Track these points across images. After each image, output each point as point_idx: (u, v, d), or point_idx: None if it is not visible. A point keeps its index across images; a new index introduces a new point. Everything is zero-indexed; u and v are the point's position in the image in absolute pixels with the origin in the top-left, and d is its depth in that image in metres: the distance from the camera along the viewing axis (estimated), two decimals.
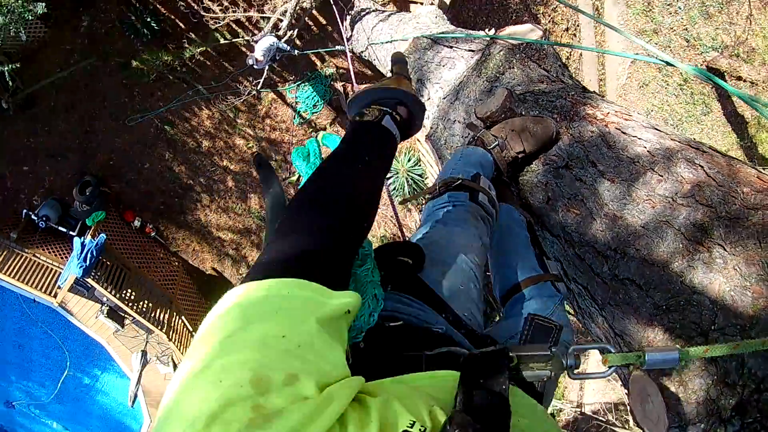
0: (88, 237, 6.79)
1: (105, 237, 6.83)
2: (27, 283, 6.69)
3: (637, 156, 1.89)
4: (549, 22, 8.31)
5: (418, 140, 7.81)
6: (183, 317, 7.86)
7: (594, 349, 1.09)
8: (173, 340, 7.34)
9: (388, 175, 8.09)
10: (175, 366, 7.74)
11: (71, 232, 7.21)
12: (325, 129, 8.17)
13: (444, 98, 3.15)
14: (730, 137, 8.32)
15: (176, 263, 8.46)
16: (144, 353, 7.54)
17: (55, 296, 6.84)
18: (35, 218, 7.09)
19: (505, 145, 2.17)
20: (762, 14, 8.16)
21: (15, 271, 6.73)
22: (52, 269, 7.11)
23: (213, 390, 0.59)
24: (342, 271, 0.91)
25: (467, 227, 1.67)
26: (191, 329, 7.93)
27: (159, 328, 7.22)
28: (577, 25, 8.43)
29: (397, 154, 8.22)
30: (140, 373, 7.48)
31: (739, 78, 7.89)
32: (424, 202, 2.02)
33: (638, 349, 1.05)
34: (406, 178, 7.80)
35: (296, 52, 6.72)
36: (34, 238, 7.25)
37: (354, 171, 1.07)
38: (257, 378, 0.60)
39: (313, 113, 7.89)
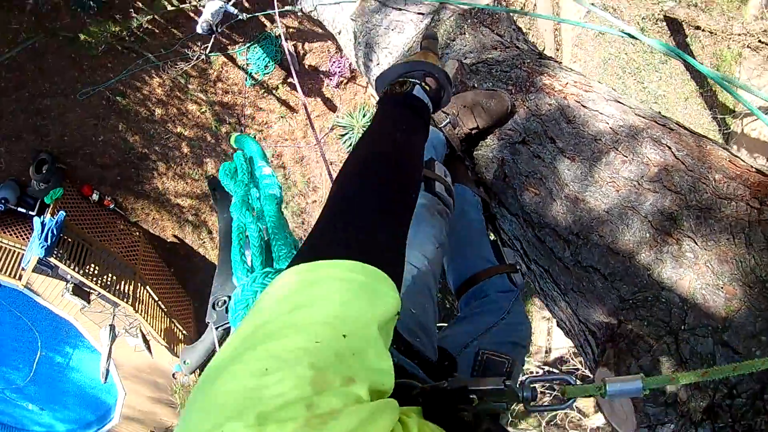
0: (48, 216, 6.58)
1: (64, 214, 6.61)
2: None
3: (599, 133, 1.76)
4: None
5: (372, 96, 7.63)
6: (147, 287, 7.73)
7: (552, 381, 1.03)
8: (139, 311, 7.24)
9: (343, 132, 7.96)
10: (144, 337, 7.67)
11: (30, 212, 6.98)
12: (276, 88, 7.90)
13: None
14: (689, 85, 8.24)
15: (137, 233, 8.28)
16: (112, 327, 7.43)
17: (20, 278, 6.66)
18: None
19: (457, 122, 2.03)
20: None
21: None
22: (14, 252, 6.90)
23: (260, 379, 0.54)
24: (398, 259, 0.85)
25: (422, 229, 1.54)
26: (156, 298, 7.84)
27: (125, 300, 7.11)
28: None
29: (352, 110, 8.05)
30: (110, 348, 7.39)
31: (698, 28, 7.76)
32: None
33: (600, 380, 0.95)
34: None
35: (245, 15, 6.46)
36: None
37: (394, 144, 1.02)
38: (317, 376, 0.56)
39: (264, 74, 7.63)
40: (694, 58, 7.98)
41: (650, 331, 1.39)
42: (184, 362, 1.37)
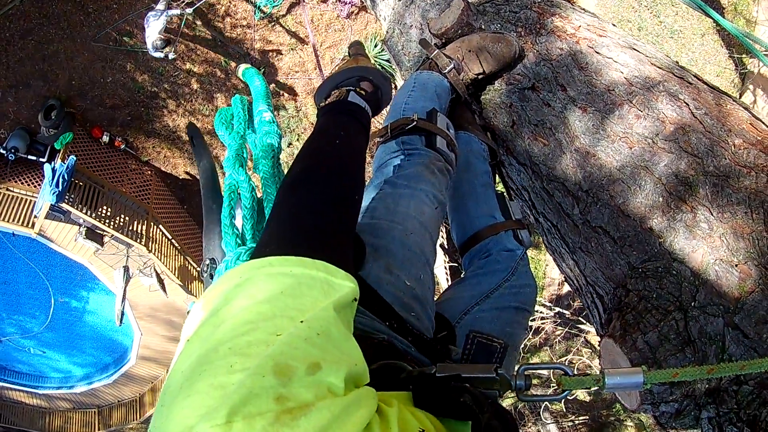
0: (58, 161, 6.55)
1: (75, 158, 6.58)
2: (3, 220, 6.53)
3: (613, 83, 1.62)
4: None
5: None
6: (161, 226, 7.76)
7: (548, 370, 0.97)
8: (153, 250, 7.28)
9: None
10: (158, 277, 7.75)
11: (41, 159, 6.96)
12: (284, 15, 7.63)
13: (399, 0, 2.79)
14: (706, 21, 7.77)
15: (149, 172, 8.26)
16: (126, 268, 7.51)
17: (32, 226, 6.70)
18: (4, 151, 6.80)
19: (462, 67, 1.89)
20: None
21: None
22: (27, 200, 6.93)
23: (225, 377, 0.53)
24: (345, 250, 0.88)
25: (422, 188, 1.43)
26: (170, 237, 7.88)
27: (138, 240, 7.16)
28: None
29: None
30: (125, 290, 7.48)
31: None
32: (374, 144, 1.76)
33: (599, 370, 0.88)
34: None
35: (189, 11, 6.30)
36: (5, 171, 7.00)
37: (335, 146, 1.07)
38: (278, 365, 0.55)
39: (273, 6, 7.35)
40: None
41: (659, 304, 1.30)
42: None
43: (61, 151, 6.83)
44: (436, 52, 1.90)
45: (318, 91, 1.37)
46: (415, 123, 1.59)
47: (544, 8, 1.92)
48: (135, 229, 7.25)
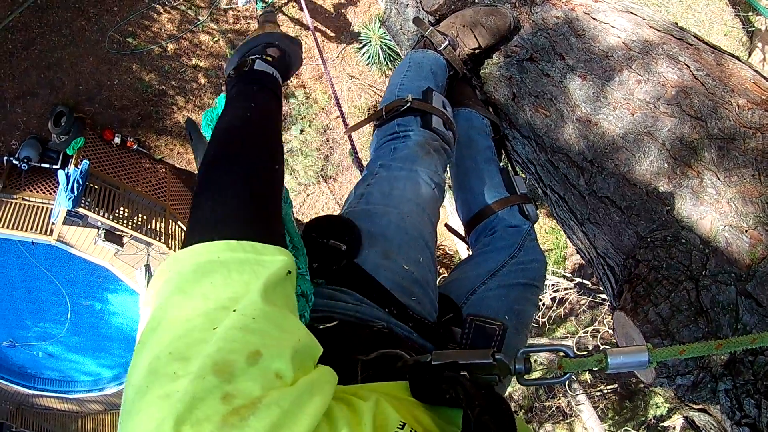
0: (71, 167, 6.57)
1: (88, 162, 6.59)
2: (22, 229, 6.55)
3: (611, 48, 1.57)
4: None
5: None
6: (179, 222, 7.75)
7: (549, 352, 0.93)
8: (173, 247, 7.27)
9: (361, 45, 7.64)
10: None
11: (54, 166, 6.96)
12: (286, 4, 7.58)
13: None
14: None
15: (163, 170, 8.26)
16: (147, 267, 7.53)
17: (51, 234, 6.75)
18: (17, 162, 6.83)
19: (457, 43, 1.84)
20: None
21: (8, 220, 6.57)
22: (43, 208, 6.96)
23: (170, 385, 0.52)
24: (271, 223, 0.86)
25: (417, 171, 1.40)
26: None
27: (157, 239, 7.14)
28: None
29: (368, 21, 7.70)
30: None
31: None
32: (372, 127, 1.73)
33: (600, 350, 0.84)
34: (380, 46, 7.33)
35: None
36: (20, 181, 7.02)
37: (246, 119, 1.05)
38: (217, 363, 0.53)
39: None
40: None
41: (669, 274, 1.26)
42: None
43: (74, 157, 6.84)
44: (430, 29, 1.86)
45: (227, 65, 1.36)
46: (409, 104, 1.56)
47: None
48: (153, 227, 7.28)
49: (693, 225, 1.26)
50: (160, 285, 0.68)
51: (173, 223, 7.65)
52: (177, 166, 8.49)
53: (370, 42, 7.44)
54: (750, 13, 7.23)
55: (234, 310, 0.60)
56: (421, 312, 1.14)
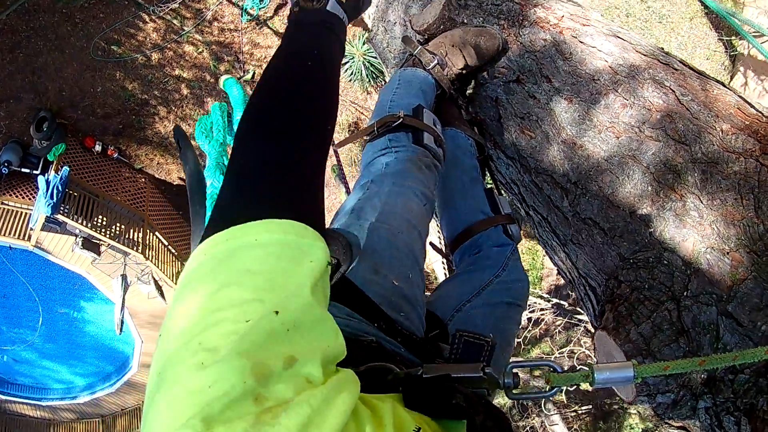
0: (52, 173, 6.51)
1: (68, 169, 6.53)
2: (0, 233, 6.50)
3: (597, 72, 1.60)
4: None
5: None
6: (157, 233, 7.68)
7: (536, 367, 0.96)
8: (150, 258, 7.19)
9: (344, 61, 7.68)
10: (156, 284, 7.70)
11: (34, 171, 6.90)
12: (271, 17, 7.60)
13: None
14: (694, 5, 7.70)
15: (143, 180, 8.20)
16: (124, 277, 7.44)
17: (29, 239, 6.66)
18: None
19: (446, 63, 1.87)
20: None
21: None
22: (22, 213, 6.87)
23: (199, 378, 0.50)
24: (315, 202, 0.80)
25: (409, 186, 1.42)
26: (166, 243, 7.80)
27: (134, 248, 7.06)
28: None
29: (351, 38, 7.76)
30: (123, 298, 7.42)
31: None
32: (361, 144, 1.74)
33: (587, 365, 0.86)
34: (363, 63, 7.39)
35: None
36: (0, 185, 6.97)
37: (305, 68, 0.95)
38: (255, 364, 0.52)
39: (260, 8, 7.31)
40: None
41: (651, 295, 1.28)
42: None
43: (55, 163, 6.78)
44: (419, 48, 1.89)
45: None
46: (401, 120, 1.57)
47: (526, 0, 1.90)
48: (131, 237, 7.20)
49: (675, 247, 1.28)
50: (191, 270, 0.64)
51: (151, 234, 7.58)
52: (156, 176, 8.43)
53: (353, 58, 7.49)
54: (733, 38, 7.41)
55: (276, 312, 0.57)
56: (409, 327, 1.15)
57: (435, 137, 1.62)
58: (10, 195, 6.95)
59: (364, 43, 7.41)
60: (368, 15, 3.12)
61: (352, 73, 7.56)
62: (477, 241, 1.68)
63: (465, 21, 1.94)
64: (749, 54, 7.34)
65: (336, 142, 1.89)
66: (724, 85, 1.47)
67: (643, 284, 1.31)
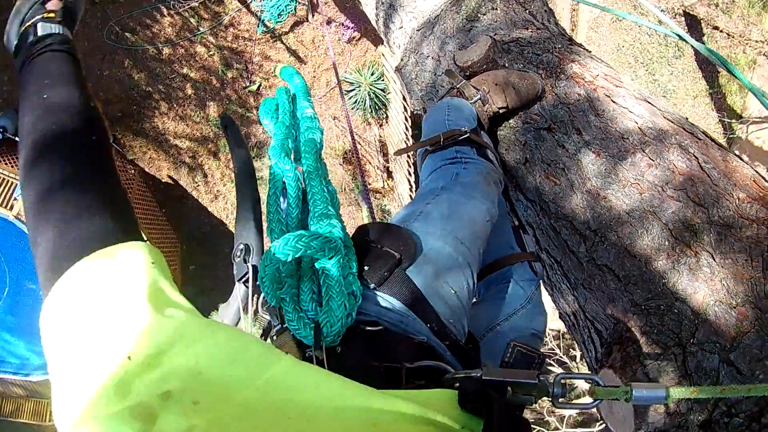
0: None
1: None
2: None
3: (627, 131, 1.73)
4: None
5: (383, 54, 7.50)
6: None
7: (581, 379, 1.03)
8: None
9: (349, 88, 7.82)
10: None
11: None
12: (286, 33, 7.74)
13: (418, 30, 2.90)
14: (700, 84, 8.10)
15: (132, 171, 8.15)
16: None
17: (11, 209, 6.57)
18: None
19: (487, 99, 1.98)
20: None
21: None
22: (9, 181, 6.79)
23: None
24: (111, 213, 0.84)
25: (478, 198, 1.49)
26: (145, 239, 7.73)
27: None
28: None
29: (361, 67, 7.91)
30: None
31: (716, 28, 7.58)
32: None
33: (627, 383, 0.95)
34: (369, 92, 7.55)
35: None
36: None
37: (40, 118, 0.92)
38: (132, 408, 0.55)
39: (277, 22, 7.45)
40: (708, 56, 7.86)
41: (659, 339, 1.39)
42: (222, 321, 1.33)
43: None
44: (463, 82, 2.00)
45: (6, 38, 1.16)
46: (467, 134, 1.67)
47: (564, 54, 2.04)
48: None
49: (686, 298, 1.40)
50: (56, 333, 0.68)
51: None
52: (147, 170, 8.39)
53: (359, 86, 7.63)
54: (733, 120, 7.73)
55: (129, 357, 0.59)
56: (456, 334, 1.21)
57: (495, 157, 1.71)
58: (0, 161, 6.87)
59: (372, 74, 7.57)
60: (398, 45, 3.25)
61: (356, 102, 7.69)
62: (505, 273, 1.75)
63: (506, 64, 2.07)
64: (747, 138, 7.68)
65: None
66: (741, 160, 1.62)
67: (652, 329, 1.41)
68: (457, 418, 0.78)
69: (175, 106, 7.95)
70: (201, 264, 9.35)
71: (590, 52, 2.16)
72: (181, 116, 8.04)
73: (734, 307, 1.32)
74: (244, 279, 1.19)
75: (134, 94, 7.68)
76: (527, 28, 2.24)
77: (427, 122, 1.91)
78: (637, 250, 1.55)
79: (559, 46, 2.09)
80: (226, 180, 8.63)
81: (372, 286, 1.14)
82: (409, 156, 6.86)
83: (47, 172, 0.83)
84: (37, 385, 8.93)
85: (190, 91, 7.91)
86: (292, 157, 1.35)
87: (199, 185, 8.65)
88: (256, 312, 1.13)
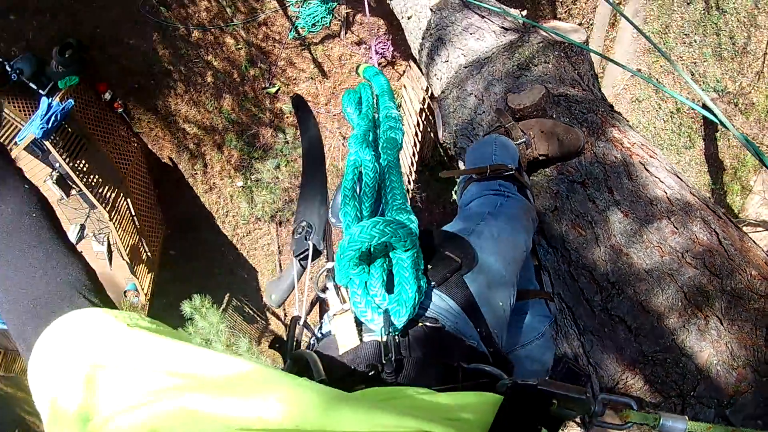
0: (56, 99, 6.48)
1: (73, 103, 6.52)
2: None
3: (656, 199, 1.88)
4: (565, 12, 8.11)
5: (404, 86, 7.67)
6: (129, 199, 7.61)
7: (619, 402, 1.09)
8: (114, 220, 7.11)
9: None
10: (109, 247, 7.60)
11: (41, 91, 6.84)
12: (316, 44, 7.89)
13: (465, 67, 3.05)
14: (704, 178, 8.41)
15: (135, 144, 8.18)
16: (82, 227, 7.37)
17: (9, 151, 6.55)
18: (9, 69, 6.68)
19: (531, 144, 2.11)
20: None
21: None
22: (13, 124, 6.78)
23: None
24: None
25: (519, 229, 1.60)
26: (133, 213, 7.71)
27: (103, 205, 6.99)
28: (591, 24, 8.25)
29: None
30: (74, 246, 7.30)
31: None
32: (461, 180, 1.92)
33: (657, 411, 1.04)
34: None
35: None
36: (3, 88, 6.86)
37: None
38: None
39: (309, 31, 7.61)
40: (717, 152, 8.20)
41: (662, 388, 1.52)
42: (270, 296, 1.40)
43: (63, 92, 6.75)
44: (512, 122, 2.14)
45: None
46: (512, 172, 1.78)
47: (606, 118, 2.20)
48: (104, 193, 7.11)
49: (693, 355, 1.53)
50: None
51: (124, 198, 7.52)
52: (149, 146, 8.41)
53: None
54: (736, 218, 7.97)
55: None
56: (498, 344, 1.29)
57: (533, 198, 1.82)
58: (9, 102, 6.85)
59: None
60: (439, 77, 3.40)
61: None
62: (523, 306, 1.82)
63: (554, 116, 2.22)
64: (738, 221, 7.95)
65: (442, 171, 2.07)
66: (755, 243, 1.77)
67: (657, 378, 1.54)
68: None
69: (191, 90, 8.02)
70: (181, 251, 9.32)
71: (629, 122, 2.33)
72: (195, 102, 8.11)
73: (735, 369, 1.45)
74: (302, 256, 1.27)
75: (155, 70, 7.74)
76: (575, 87, 2.41)
77: (473, 152, 2.03)
78: (651, 306, 1.69)
79: (602, 109, 2.25)
80: (224, 175, 8.66)
81: (433, 284, 1.22)
82: (408, 191, 6.99)
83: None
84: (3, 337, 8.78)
85: (209, 79, 7.99)
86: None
87: (197, 173, 8.68)
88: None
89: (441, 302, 1.20)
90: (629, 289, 1.76)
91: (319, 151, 1.49)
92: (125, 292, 8.21)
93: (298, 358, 0.99)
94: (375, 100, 1.55)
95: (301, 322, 1.13)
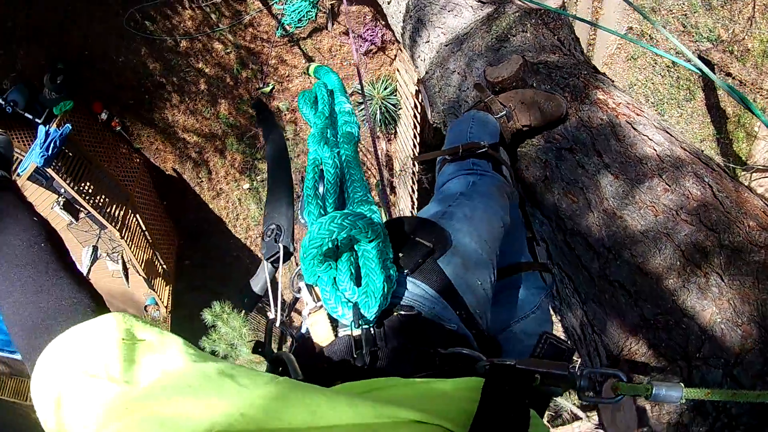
0: (53, 126, 6.53)
1: (70, 127, 6.57)
2: None
3: (646, 157, 1.83)
4: None
5: (397, 70, 7.61)
6: (137, 215, 7.71)
7: (606, 374, 1.05)
8: (125, 237, 7.21)
9: (360, 100, 7.90)
10: (124, 264, 7.66)
11: (37, 120, 6.89)
12: (304, 38, 7.84)
13: (446, 45, 2.99)
14: (708, 129, 8.28)
15: (137, 160, 8.24)
16: (95, 248, 7.45)
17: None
18: (2, 102, 6.74)
19: (512, 116, 2.07)
20: (763, 18, 7.94)
21: None
22: (15, 156, 6.83)
23: None
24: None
25: (493, 206, 1.57)
26: (144, 228, 7.80)
27: (113, 224, 7.08)
28: None
29: (374, 80, 8.02)
30: (89, 269, 7.40)
31: (729, 74, 7.76)
32: (415, 175, 1.90)
33: (648, 381, 1.01)
34: (380, 106, 7.66)
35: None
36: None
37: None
38: None
39: (296, 27, 7.57)
40: (718, 101, 8.07)
41: (666, 353, 1.47)
42: (244, 300, 1.39)
43: (59, 117, 6.81)
44: (491, 97, 2.09)
45: None
46: (486, 149, 1.75)
47: (589, 80, 2.14)
48: (112, 212, 7.19)
49: (695, 315, 1.48)
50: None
51: (132, 215, 7.58)
52: (152, 161, 8.47)
53: (372, 99, 7.74)
54: (738, 167, 7.84)
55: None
56: (481, 324, 1.27)
57: (510, 173, 1.79)
58: (7, 135, 6.89)
59: (385, 88, 7.67)
60: (423, 58, 3.35)
61: (364, 114, 7.82)
62: (516, 280, 1.80)
63: (534, 84, 2.17)
64: (749, 186, 7.84)
65: (414, 156, 2.05)
66: (753, 192, 1.71)
67: (660, 343, 1.50)
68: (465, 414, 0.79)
69: (186, 99, 8.03)
70: (195, 260, 9.39)
71: (613, 81, 2.26)
72: (192, 110, 8.12)
73: (740, 326, 1.40)
74: (273, 258, 1.25)
75: (147, 83, 7.76)
76: (555, 53, 2.34)
77: (451, 132, 1.99)
78: (649, 268, 1.64)
79: (585, 72, 2.19)
80: (229, 179, 8.68)
81: (406, 272, 1.20)
82: (414, 173, 6.95)
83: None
84: (21, 364, 8.90)
85: (203, 86, 8.00)
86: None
87: (202, 181, 8.71)
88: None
89: (416, 289, 1.18)
90: (626, 252, 1.71)
91: (283, 152, 1.48)
92: (146, 307, 8.29)
93: (277, 360, 0.98)
94: (331, 97, 1.55)
95: (277, 323, 1.11)
